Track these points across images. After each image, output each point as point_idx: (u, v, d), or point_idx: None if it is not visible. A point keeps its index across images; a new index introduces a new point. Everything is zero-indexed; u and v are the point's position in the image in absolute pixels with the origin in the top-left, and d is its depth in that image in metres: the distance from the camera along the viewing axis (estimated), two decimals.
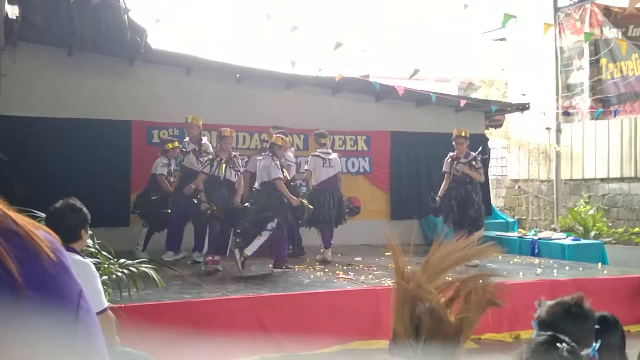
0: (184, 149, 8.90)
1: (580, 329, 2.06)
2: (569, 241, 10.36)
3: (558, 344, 1.77)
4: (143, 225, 8.86)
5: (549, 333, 1.88)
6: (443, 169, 9.22)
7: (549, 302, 2.19)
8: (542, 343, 1.81)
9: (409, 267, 1.11)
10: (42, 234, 0.73)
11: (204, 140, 8.97)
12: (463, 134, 9.19)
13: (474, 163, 9.16)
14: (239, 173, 8.14)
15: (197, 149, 8.77)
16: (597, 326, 2.14)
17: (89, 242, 5.07)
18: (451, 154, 9.20)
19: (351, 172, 11.32)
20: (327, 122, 11.34)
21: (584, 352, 2.04)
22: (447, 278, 1.15)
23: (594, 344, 2.08)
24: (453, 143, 9.21)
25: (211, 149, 8.54)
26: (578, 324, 2.07)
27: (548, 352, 1.76)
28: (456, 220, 8.90)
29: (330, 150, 9.31)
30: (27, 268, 0.69)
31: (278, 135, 8.41)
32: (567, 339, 1.83)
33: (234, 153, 8.22)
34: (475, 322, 1.08)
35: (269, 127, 9.69)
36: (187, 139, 8.98)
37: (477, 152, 9.19)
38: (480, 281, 1.12)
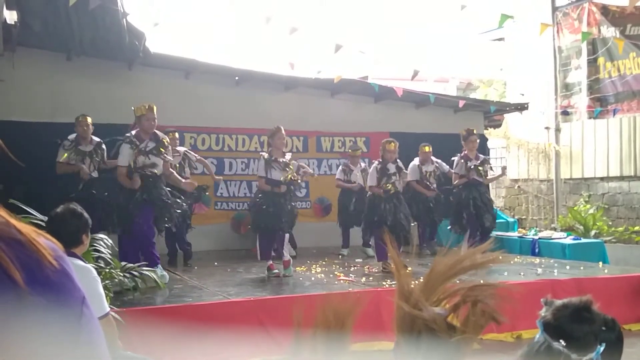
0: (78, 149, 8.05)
1: (586, 333, 2.05)
2: (569, 240, 10.35)
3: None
4: None
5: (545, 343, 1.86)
6: (455, 170, 8.94)
7: (556, 302, 2.17)
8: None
9: (410, 285, 1.12)
10: (44, 242, 0.73)
11: (96, 138, 8.13)
12: (475, 132, 9.06)
13: (486, 165, 9.01)
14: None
15: (94, 149, 8.08)
16: (603, 328, 2.12)
17: (103, 248, 5.10)
18: (461, 154, 9.01)
19: None
20: (326, 123, 11.37)
21: (588, 356, 2.02)
22: (455, 281, 1.15)
23: (598, 347, 2.06)
24: (463, 142, 8.99)
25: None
26: (585, 327, 2.06)
27: None
28: (467, 226, 8.74)
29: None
30: (30, 275, 0.69)
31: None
32: (564, 346, 1.82)
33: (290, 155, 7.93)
34: (474, 338, 1.09)
35: (268, 130, 9.72)
36: (71, 136, 8.04)
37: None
38: (485, 293, 1.12)
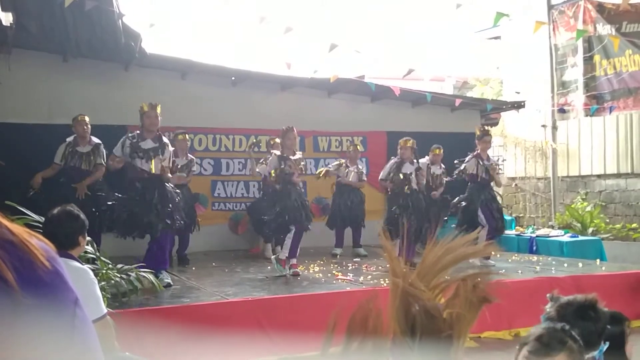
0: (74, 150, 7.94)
1: (590, 331, 2.04)
2: (567, 238, 10.38)
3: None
4: None
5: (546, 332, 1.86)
6: (467, 165, 8.84)
7: (562, 298, 2.16)
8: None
9: (402, 267, 1.11)
10: (37, 243, 0.73)
11: (95, 139, 8.10)
12: (489, 132, 9.03)
13: (497, 166, 8.95)
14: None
15: (92, 150, 8.00)
16: (608, 326, 2.11)
17: (89, 248, 5.08)
18: (474, 153, 8.91)
19: None
20: (323, 123, 11.36)
21: (590, 355, 2.01)
22: (446, 277, 1.14)
23: (601, 346, 2.05)
24: (477, 141, 8.91)
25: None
26: (589, 325, 2.05)
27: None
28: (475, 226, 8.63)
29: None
30: (23, 276, 0.69)
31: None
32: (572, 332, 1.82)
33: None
34: (467, 319, 1.08)
35: (265, 130, 9.78)
36: (70, 138, 8.01)
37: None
38: (477, 278, 1.11)
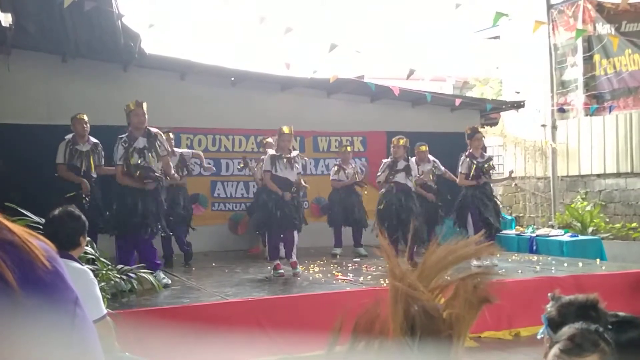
0: (74, 148, 7.86)
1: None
2: (566, 238, 10.37)
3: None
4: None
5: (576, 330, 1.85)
6: (461, 170, 8.73)
7: (563, 298, 2.16)
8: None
9: (402, 267, 1.11)
10: (38, 243, 0.73)
11: (93, 138, 8.03)
12: (479, 130, 9.00)
13: (490, 163, 8.89)
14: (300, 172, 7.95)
15: (92, 149, 7.96)
16: (609, 327, 2.12)
17: (89, 249, 5.08)
18: (466, 152, 8.83)
19: None
20: (322, 123, 11.37)
21: None
22: (446, 277, 1.14)
23: None
24: (468, 141, 8.81)
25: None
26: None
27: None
28: (475, 224, 8.52)
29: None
30: (22, 276, 0.69)
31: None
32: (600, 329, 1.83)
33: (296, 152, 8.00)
34: (467, 320, 1.07)
35: (265, 130, 9.79)
36: (68, 136, 7.91)
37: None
38: (477, 279, 1.11)
